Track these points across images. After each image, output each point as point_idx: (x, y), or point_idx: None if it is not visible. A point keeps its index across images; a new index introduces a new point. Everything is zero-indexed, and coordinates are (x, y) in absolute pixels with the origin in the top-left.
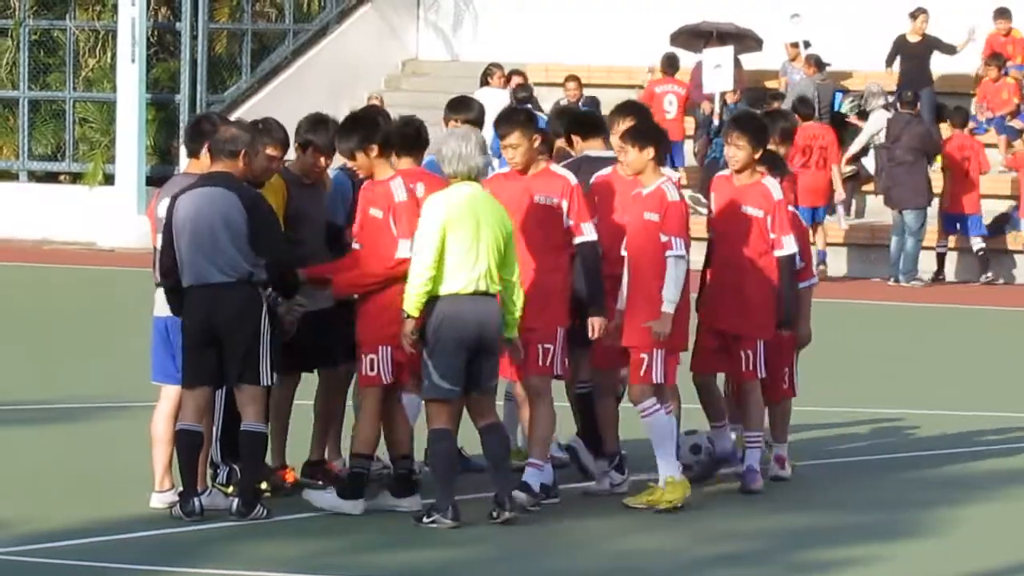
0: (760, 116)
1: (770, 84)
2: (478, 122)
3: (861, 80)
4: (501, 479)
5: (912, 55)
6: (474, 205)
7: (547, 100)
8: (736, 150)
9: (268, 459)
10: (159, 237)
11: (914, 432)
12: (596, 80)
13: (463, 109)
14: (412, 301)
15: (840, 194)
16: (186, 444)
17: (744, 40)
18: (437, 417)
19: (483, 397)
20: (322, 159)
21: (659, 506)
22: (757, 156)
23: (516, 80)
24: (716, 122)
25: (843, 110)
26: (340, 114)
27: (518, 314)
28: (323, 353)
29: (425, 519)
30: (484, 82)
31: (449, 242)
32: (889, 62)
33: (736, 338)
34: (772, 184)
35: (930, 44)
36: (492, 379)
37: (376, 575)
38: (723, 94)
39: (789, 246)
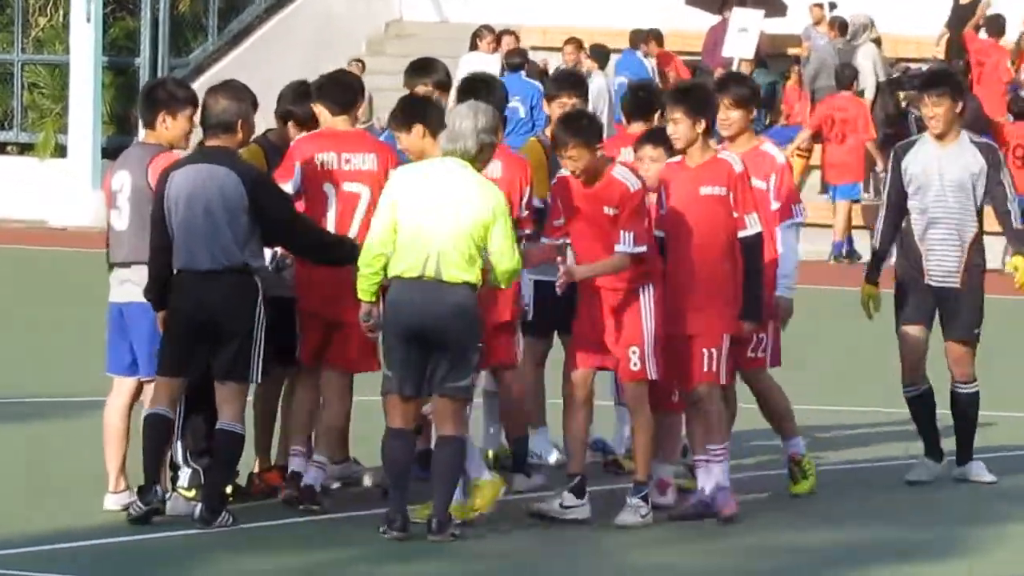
0: (705, 84)
1: (792, 51)
2: (444, 86)
3: (891, 47)
4: (436, 497)
5: (960, 19)
6: (437, 183)
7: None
8: (674, 125)
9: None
10: (115, 214)
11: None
12: (599, 43)
13: (425, 72)
14: (360, 282)
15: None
16: (155, 429)
17: (770, 3)
18: (391, 414)
19: (441, 401)
20: (303, 133)
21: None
22: (701, 129)
23: (508, 42)
24: None
25: None
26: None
27: (503, 285)
28: (291, 346)
29: (380, 529)
30: (473, 46)
31: (399, 220)
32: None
33: (691, 337)
34: (732, 158)
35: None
36: (449, 381)
37: None
38: (740, 62)
39: (753, 225)
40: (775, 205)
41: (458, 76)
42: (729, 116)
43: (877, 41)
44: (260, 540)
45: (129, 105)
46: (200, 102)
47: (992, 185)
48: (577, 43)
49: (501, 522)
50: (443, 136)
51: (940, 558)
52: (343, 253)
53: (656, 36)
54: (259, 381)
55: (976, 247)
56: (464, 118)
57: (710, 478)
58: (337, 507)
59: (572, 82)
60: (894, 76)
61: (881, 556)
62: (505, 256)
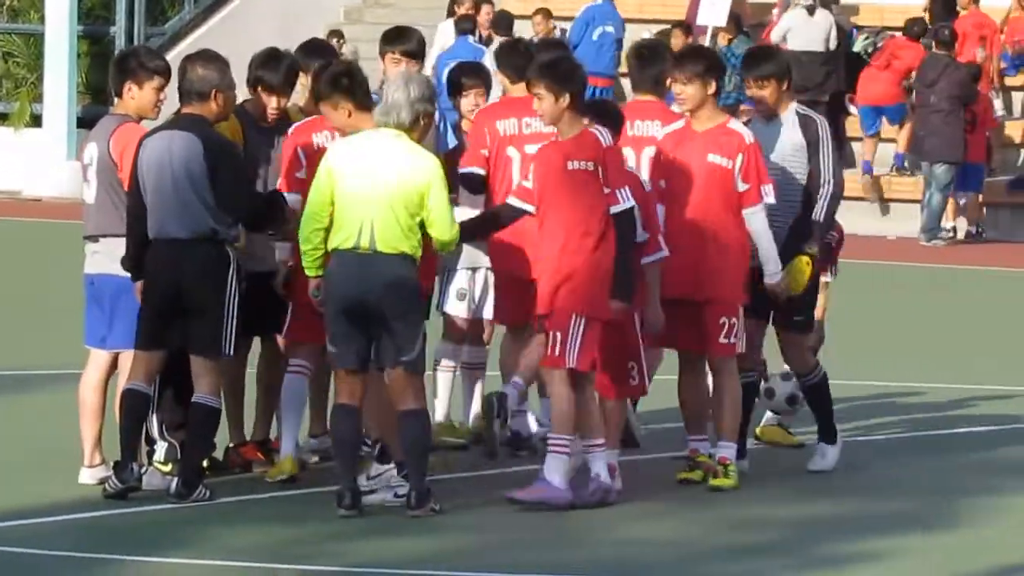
0: (568, 57)
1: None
2: (417, 54)
3: (872, 15)
4: (411, 473)
5: None
6: (371, 153)
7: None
8: (538, 102)
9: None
10: (85, 187)
11: (949, 410)
12: (567, 13)
13: (399, 40)
14: (303, 258)
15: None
16: (132, 404)
17: None
18: (338, 390)
19: (394, 375)
20: (274, 99)
21: None
22: (565, 104)
23: (486, 11)
24: None
25: (856, 49)
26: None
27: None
28: (272, 317)
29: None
30: (451, 12)
31: (336, 191)
32: None
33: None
34: (601, 132)
35: None
36: (398, 354)
37: (355, 566)
38: (715, 31)
39: (624, 199)
40: (742, 187)
41: (435, 44)
42: (685, 91)
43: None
44: (236, 515)
45: (105, 75)
46: (174, 72)
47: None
48: (546, 13)
49: (483, 495)
50: (378, 108)
51: (945, 529)
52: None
53: None
54: (230, 354)
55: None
56: (397, 89)
57: None
58: (316, 482)
59: (391, 37)
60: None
61: (877, 528)
62: (444, 224)
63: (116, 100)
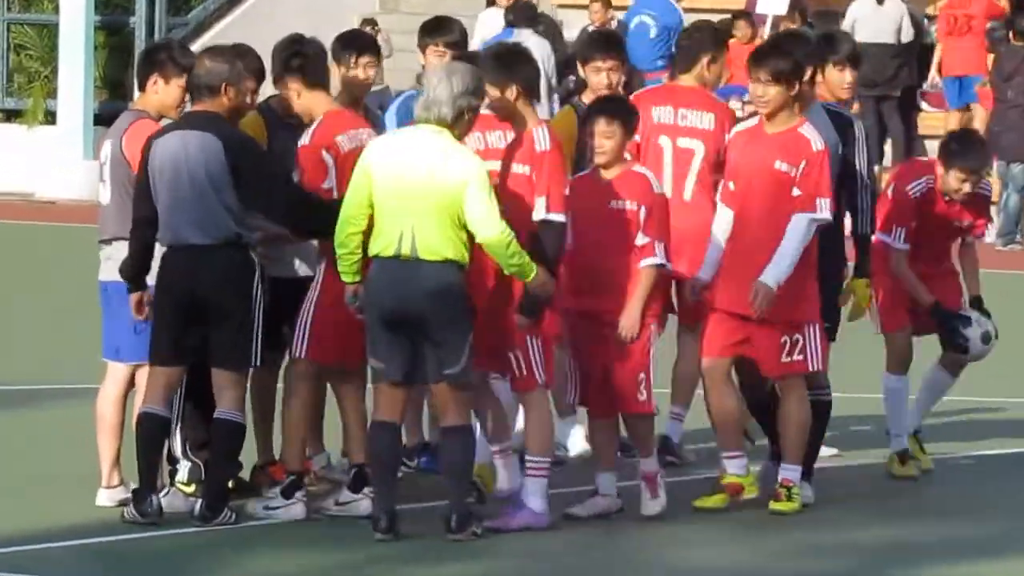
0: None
1: (842, 7)
2: (460, 45)
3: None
4: (452, 494)
5: None
6: (410, 153)
7: (573, 26)
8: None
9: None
10: (101, 187)
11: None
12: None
13: (440, 31)
14: (339, 264)
15: None
16: (149, 431)
17: None
18: (378, 404)
19: (439, 390)
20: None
21: None
22: (515, 98)
23: None
24: None
25: (933, 41)
26: (326, 40)
27: (511, 271)
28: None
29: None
30: (491, 1)
31: (374, 193)
32: None
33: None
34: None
35: None
36: (443, 367)
37: None
38: (776, 19)
39: (539, 210)
40: (796, 192)
41: (476, 35)
42: (767, 93)
43: None
44: (263, 539)
45: (124, 68)
46: None
47: None
48: (605, 1)
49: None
50: (419, 103)
51: (999, 556)
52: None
53: None
54: (257, 365)
55: None
56: (439, 83)
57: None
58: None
59: (431, 29)
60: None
61: (953, 554)
62: (485, 224)
63: (138, 94)
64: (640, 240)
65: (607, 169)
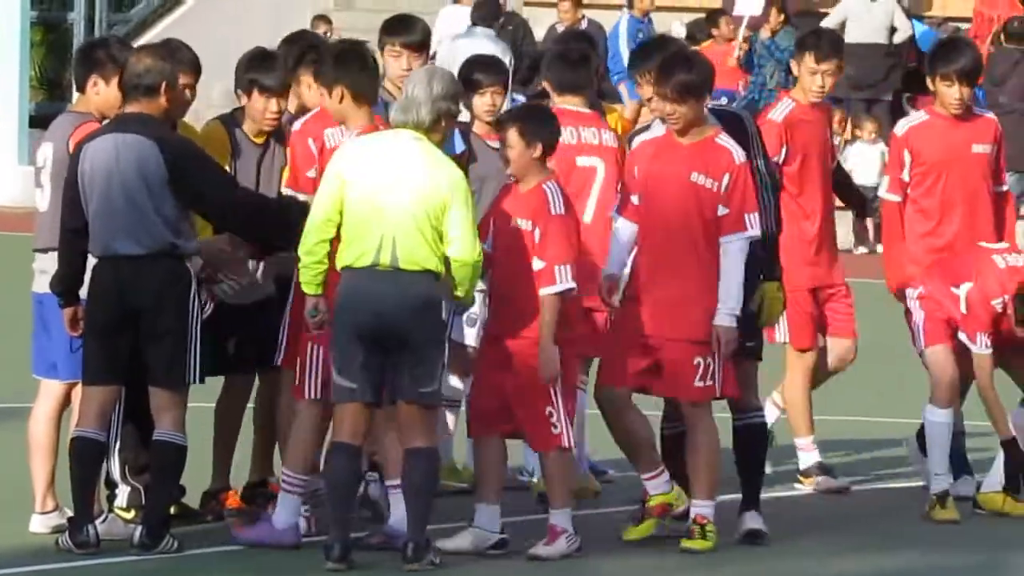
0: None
1: (824, 8)
2: (422, 45)
3: (943, 6)
4: (411, 519)
5: None
6: (388, 157)
7: (540, 24)
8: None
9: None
10: (38, 193)
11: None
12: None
13: (401, 31)
14: (303, 273)
15: None
16: (84, 456)
17: None
18: (341, 425)
19: (409, 410)
20: (273, 102)
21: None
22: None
23: None
24: (738, 53)
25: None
26: (274, 41)
27: (461, 292)
28: (272, 347)
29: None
30: None
31: (347, 200)
32: None
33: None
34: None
35: None
36: (419, 386)
37: None
38: (753, 21)
39: None
40: (722, 211)
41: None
42: (677, 110)
43: None
44: (208, 569)
45: (61, 67)
46: None
47: None
48: (576, 0)
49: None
50: (395, 105)
51: None
52: (291, 232)
53: None
54: (197, 382)
55: None
56: (418, 85)
57: None
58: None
59: (392, 28)
60: None
61: None
62: (463, 243)
63: (77, 95)
64: (536, 265)
65: (518, 183)
